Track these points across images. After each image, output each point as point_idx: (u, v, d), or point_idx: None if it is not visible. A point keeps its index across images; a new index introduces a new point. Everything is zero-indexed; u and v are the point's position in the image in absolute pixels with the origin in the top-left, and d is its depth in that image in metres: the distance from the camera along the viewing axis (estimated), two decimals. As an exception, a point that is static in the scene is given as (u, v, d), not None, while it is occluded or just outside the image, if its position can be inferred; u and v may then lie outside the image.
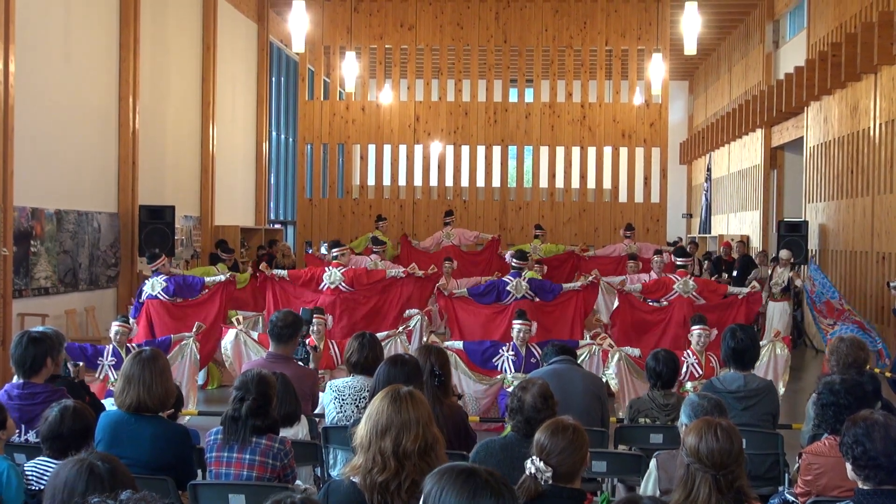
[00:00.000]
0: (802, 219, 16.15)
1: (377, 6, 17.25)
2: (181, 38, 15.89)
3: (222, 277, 10.62)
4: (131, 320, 9.96)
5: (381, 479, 3.28)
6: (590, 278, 10.48)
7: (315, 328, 8.48)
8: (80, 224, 12.50)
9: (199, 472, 4.71)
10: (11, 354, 5.02)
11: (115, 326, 8.75)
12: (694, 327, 8.20)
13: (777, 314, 12.99)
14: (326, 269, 10.59)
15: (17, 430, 4.86)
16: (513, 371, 8.73)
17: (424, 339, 9.78)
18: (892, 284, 11.23)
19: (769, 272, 13.63)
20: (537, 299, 10.15)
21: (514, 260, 10.50)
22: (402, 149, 17.33)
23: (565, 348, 6.62)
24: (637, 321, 10.13)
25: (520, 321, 8.92)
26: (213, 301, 10.38)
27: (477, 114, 17.22)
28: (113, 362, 8.63)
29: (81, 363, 7.17)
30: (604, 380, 8.59)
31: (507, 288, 10.14)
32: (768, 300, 13.02)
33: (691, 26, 10.79)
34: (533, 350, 8.80)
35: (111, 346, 8.67)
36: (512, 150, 17.97)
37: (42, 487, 3.81)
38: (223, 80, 17.44)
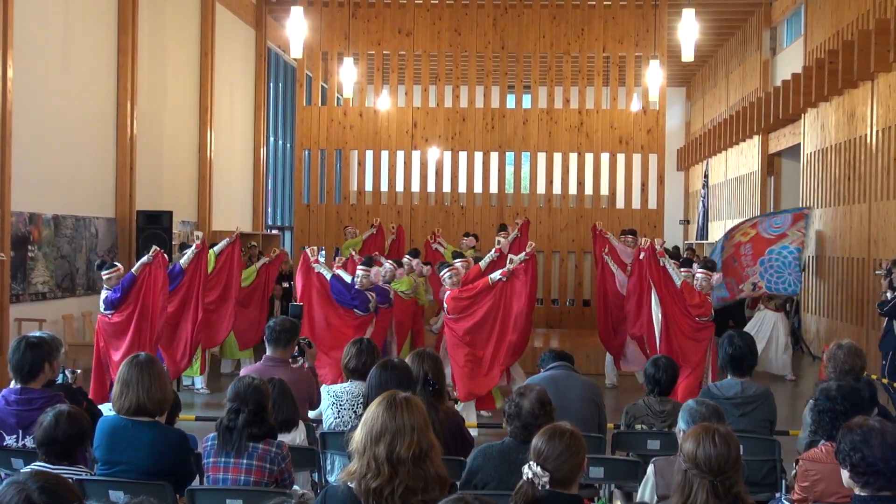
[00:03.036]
0: (799, 225, 16.16)
1: (375, 12, 17.26)
2: (179, 43, 15.90)
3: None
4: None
5: (374, 485, 3.29)
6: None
7: None
8: (78, 229, 12.50)
9: (198, 476, 4.70)
10: (9, 360, 5.02)
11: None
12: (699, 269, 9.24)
13: (772, 323, 12.88)
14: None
15: (15, 435, 4.87)
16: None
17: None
18: (878, 272, 11.29)
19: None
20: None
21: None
22: (400, 155, 17.33)
23: (563, 354, 6.62)
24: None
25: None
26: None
27: (474, 120, 17.22)
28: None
29: (79, 371, 7.13)
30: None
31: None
32: (765, 308, 13.01)
33: (689, 33, 10.80)
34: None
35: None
36: (509, 156, 17.97)
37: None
38: (221, 86, 17.46)
